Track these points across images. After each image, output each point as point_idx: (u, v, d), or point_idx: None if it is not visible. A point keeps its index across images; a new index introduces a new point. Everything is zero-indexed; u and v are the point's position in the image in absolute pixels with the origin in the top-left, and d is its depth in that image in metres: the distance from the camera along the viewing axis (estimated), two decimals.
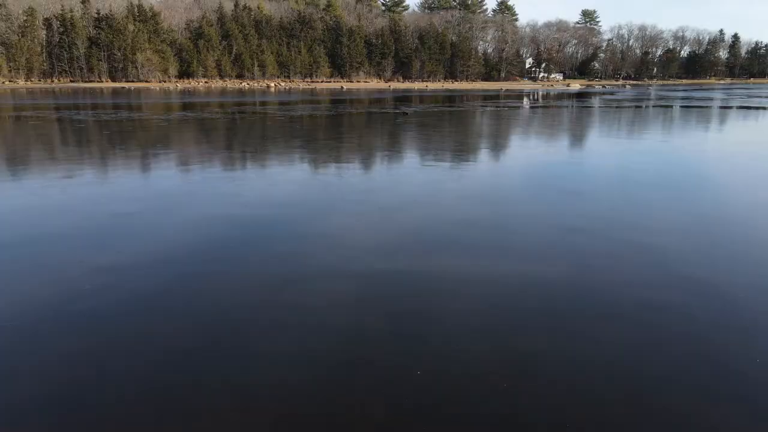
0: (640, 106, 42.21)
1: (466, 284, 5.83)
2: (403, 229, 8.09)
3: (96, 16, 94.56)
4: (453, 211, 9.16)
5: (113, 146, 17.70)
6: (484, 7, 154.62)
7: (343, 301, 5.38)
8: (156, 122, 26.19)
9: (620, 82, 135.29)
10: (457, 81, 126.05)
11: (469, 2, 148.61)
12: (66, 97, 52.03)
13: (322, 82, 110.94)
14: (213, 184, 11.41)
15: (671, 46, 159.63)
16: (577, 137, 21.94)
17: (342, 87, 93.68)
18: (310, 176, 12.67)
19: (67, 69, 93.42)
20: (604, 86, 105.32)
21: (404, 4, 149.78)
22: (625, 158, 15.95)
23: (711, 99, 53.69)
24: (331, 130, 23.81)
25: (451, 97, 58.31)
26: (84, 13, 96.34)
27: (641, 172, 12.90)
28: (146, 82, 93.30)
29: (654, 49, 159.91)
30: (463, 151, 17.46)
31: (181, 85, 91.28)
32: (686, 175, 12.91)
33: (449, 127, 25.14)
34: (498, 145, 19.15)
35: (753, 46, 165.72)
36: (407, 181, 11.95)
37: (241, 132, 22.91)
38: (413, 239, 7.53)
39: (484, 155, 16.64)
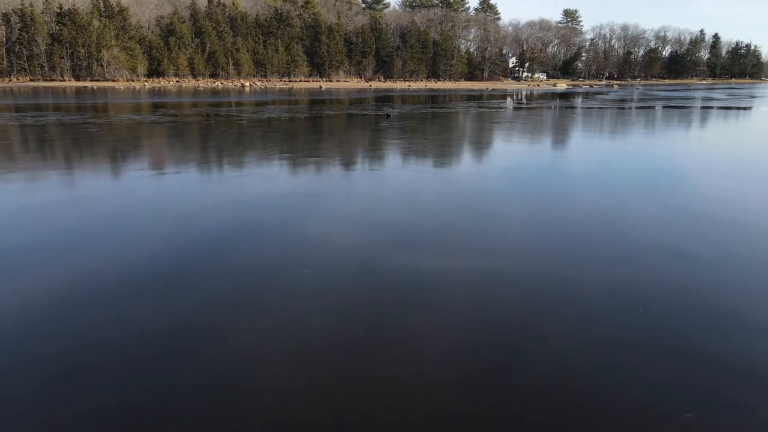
0: (650, 107, 39.15)
1: None
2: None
3: (58, 11, 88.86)
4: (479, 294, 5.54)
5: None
6: (467, 6, 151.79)
7: None
8: (89, 127, 22.02)
9: (604, 81, 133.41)
10: (440, 81, 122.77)
11: (451, 0, 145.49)
12: (13, 98, 47.17)
13: (300, 81, 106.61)
14: (90, 231, 7.58)
15: (653, 46, 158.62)
16: (615, 147, 18.48)
17: (321, 87, 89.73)
18: (252, 213, 8.88)
19: (26, 67, 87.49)
20: (591, 86, 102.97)
21: (385, 1, 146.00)
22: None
23: (712, 99, 51.08)
24: (301, 138, 20.00)
25: (435, 98, 54.83)
26: (45, 8, 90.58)
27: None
28: (113, 81, 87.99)
29: (636, 49, 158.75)
30: (467, 168, 13.82)
31: (149, 84, 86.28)
32: None
33: (440, 133, 21.52)
34: (509, 159, 15.56)
35: (734, 46, 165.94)
36: (398, 232, 8.23)
37: (186, 140, 18.97)
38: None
39: (497, 174, 13.00)
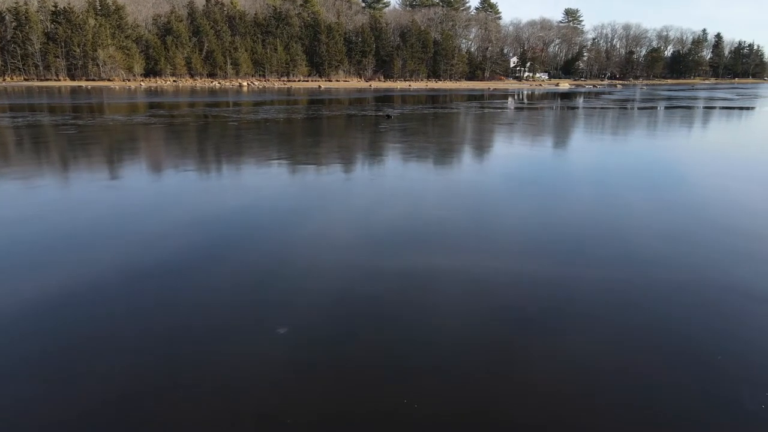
0: (664, 108, 37.82)
1: None
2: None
3: (53, 9, 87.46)
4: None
5: None
6: (467, 5, 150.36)
7: None
8: (67, 129, 20.68)
9: (606, 81, 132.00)
10: (440, 80, 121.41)
11: None
12: (7, 98, 45.83)
13: (299, 81, 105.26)
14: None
15: (655, 46, 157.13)
16: (635, 152, 17.16)
17: (319, 86, 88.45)
18: (225, 235, 7.55)
19: (21, 66, 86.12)
20: (595, 85, 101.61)
21: (385, 0, 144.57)
22: None
23: (722, 99, 49.76)
24: (295, 141, 18.68)
25: (436, 98, 53.50)
26: (40, 7, 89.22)
27: None
28: (109, 80, 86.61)
29: (639, 49, 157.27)
30: (475, 176, 12.49)
31: (145, 84, 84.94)
32: None
33: (444, 136, 20.22)
34: (522, 166, 14.24)
35: (736, 46, 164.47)
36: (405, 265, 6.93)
37: (168, 144, 17.65)
38: None
39: (510, 184, 11.66)
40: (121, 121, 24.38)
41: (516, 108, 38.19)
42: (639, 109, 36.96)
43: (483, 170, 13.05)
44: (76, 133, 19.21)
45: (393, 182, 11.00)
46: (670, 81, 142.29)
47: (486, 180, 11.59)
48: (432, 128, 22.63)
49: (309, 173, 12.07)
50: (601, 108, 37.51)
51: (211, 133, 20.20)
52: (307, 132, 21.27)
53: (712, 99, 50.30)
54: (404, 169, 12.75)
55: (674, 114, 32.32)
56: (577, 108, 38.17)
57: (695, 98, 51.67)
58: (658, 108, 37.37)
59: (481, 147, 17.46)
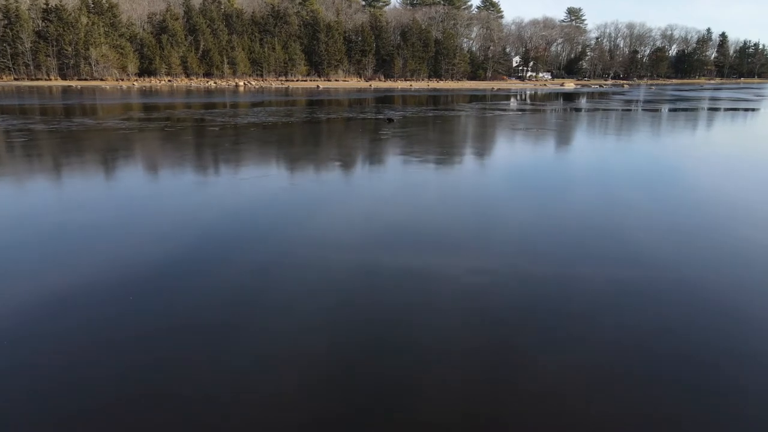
0: (684, 109, 35.52)
1: None
2: None
3: (44, 7, 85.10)
4: None
5: None
6: (469, 3, 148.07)
7: None
8: (18, 136, 18.37)
9: (610, 81, 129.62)
10: (442, 80, 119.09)
11: None
12: None
13: (297, 81, 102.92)
14: None
15: (660, 45, 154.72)
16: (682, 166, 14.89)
17: (318, 86, 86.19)
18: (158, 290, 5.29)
19: (10, 66, 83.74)
20: (601, 85, 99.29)
21: None
22: None
23: (739, 99, 47.50)
24: (281, 152, 16.37)
25: (439, 99, 51.21)
26: (32, 4, 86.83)
27: None
28: (102, 80, 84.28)
29: (643, 48, 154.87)
30: (506, 201, 10.22)
31: (139, 83, 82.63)
32: None
33: (454, 144, 17.93)
34: (554, 184, 11.96)
35: (741, 45, 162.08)
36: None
37: (124, 154, 15.35)
38: None
39: (543, 209, 9.37)
40: (88, 125, 22.05)
41: (524, 110, 35.92)
42: (659, 111, 34.67)
43: (515, 196, 10.77)
44: (24, 140, 16.83)
45: (403, 218, 8.73)
46: (675, 81, 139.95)
47: (514, 204, 9.31)
48: (438, 135, 20.37)
49: (287, 199, 9.79)
50: (616, 110, 35.22)
51: (183, 141, 17.90)
52: (298, 140, 18.98)
53: (729, 99, 48.06)
54: (415, 194, 10.48)
55: (702, 116, 30.06)
56: (592, 110, 35.87)
57: (711, 99, 49.41)
58: (663, 110, 35.09)
59: (504, 161, 15.19)
